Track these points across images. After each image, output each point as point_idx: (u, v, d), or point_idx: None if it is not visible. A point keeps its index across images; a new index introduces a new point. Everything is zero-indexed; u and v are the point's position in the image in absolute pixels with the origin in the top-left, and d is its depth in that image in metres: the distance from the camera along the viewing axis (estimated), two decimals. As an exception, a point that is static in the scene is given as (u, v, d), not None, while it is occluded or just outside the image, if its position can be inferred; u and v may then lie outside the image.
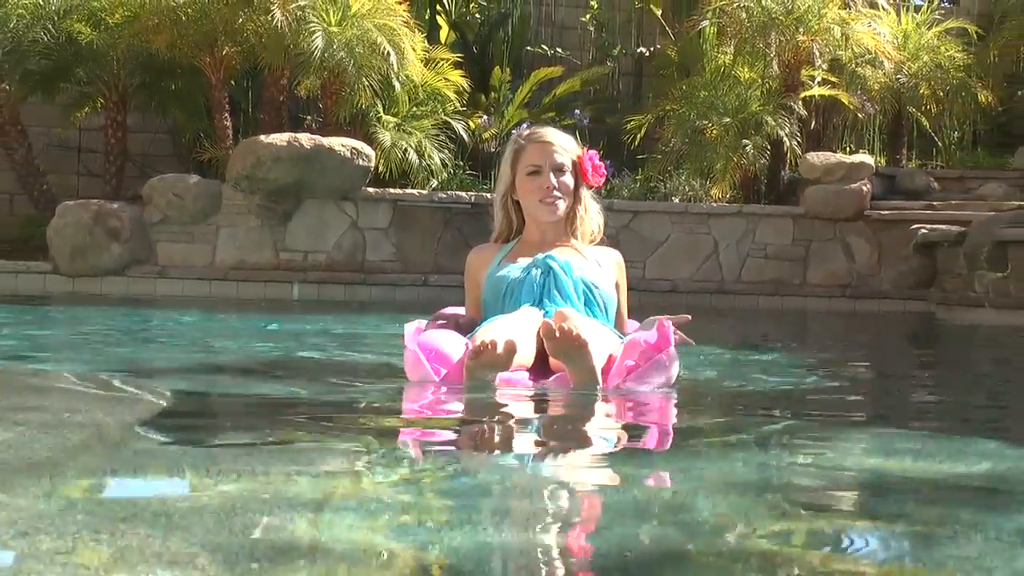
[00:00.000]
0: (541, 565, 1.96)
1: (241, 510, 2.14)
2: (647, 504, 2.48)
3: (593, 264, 4.80)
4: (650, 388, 4.29)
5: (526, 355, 4.30)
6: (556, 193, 4.71)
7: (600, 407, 4.11)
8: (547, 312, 4.49)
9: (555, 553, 2.04)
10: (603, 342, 4.37)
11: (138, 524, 1.99)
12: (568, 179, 4.76)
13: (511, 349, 4.05)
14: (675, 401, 4.36)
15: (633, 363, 4.26)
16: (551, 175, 4.71)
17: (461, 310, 5.05)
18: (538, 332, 4.35)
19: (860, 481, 2.82)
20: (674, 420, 4.14)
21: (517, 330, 4.31)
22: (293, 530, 2.04)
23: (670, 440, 3.68)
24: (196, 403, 4.27)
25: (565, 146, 4.81)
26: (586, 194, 4.88)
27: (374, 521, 2.15)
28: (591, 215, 4.92)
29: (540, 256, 4.68)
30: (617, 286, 4.88)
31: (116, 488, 2.44)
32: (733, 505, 2.43)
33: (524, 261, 4.77)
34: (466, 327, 4.72)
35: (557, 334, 4.04)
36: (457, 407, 4.24)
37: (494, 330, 4.28)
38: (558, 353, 4.15)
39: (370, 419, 3.91)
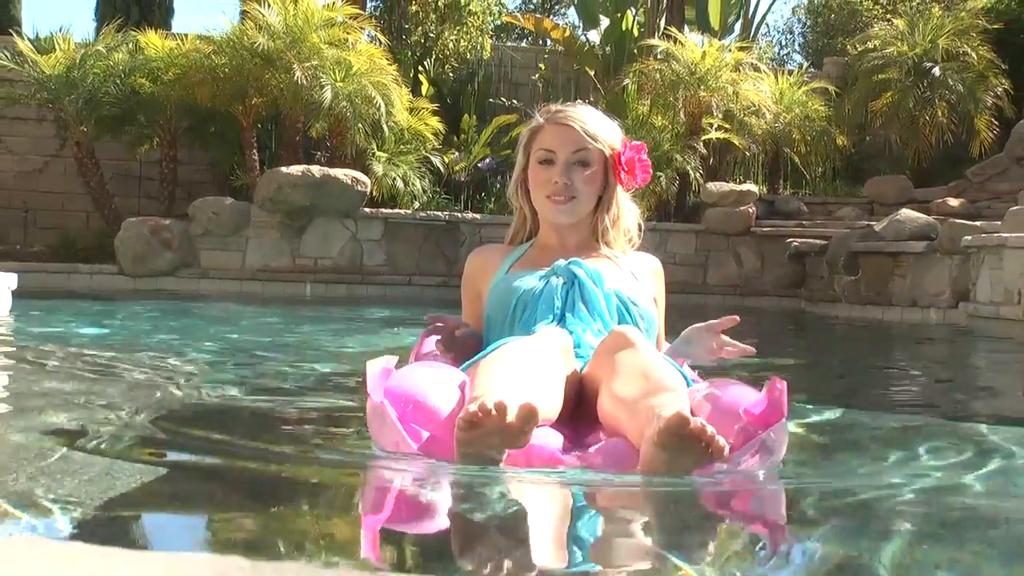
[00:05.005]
0: None
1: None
2: None
3: (628, 276, 2.96)
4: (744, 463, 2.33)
5: (550, 404, 2.41)
6: (567, 192, 2.91)
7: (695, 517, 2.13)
8: (573, 333, 2.74)
9: None
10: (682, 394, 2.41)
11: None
12: (591, 175, 2.92)
13: (529, 416, 2.14)
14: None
15: (729, 443, 2.22)
16: (564, 168, 2.90)
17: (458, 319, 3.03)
18: (572, 377, 2.55)
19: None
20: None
21: (536, 371, 2.43)
22: None
23: None
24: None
25: (595, 133, 2.93)
26: (620, 196, 3.02)
27: None
28: (624, 223, 3.04)
29: (562, 262, 2.89)
30: (655, 301, 3.02)
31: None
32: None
33: (541, 267, 2.95)
34: (471, 347, 2.80)
35: (690, 427, 2.13)
36: (442, 521, 2.05)
37: (500, 374, 2.35)
38: (669, 447, 2.15)
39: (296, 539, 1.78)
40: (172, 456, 2.36)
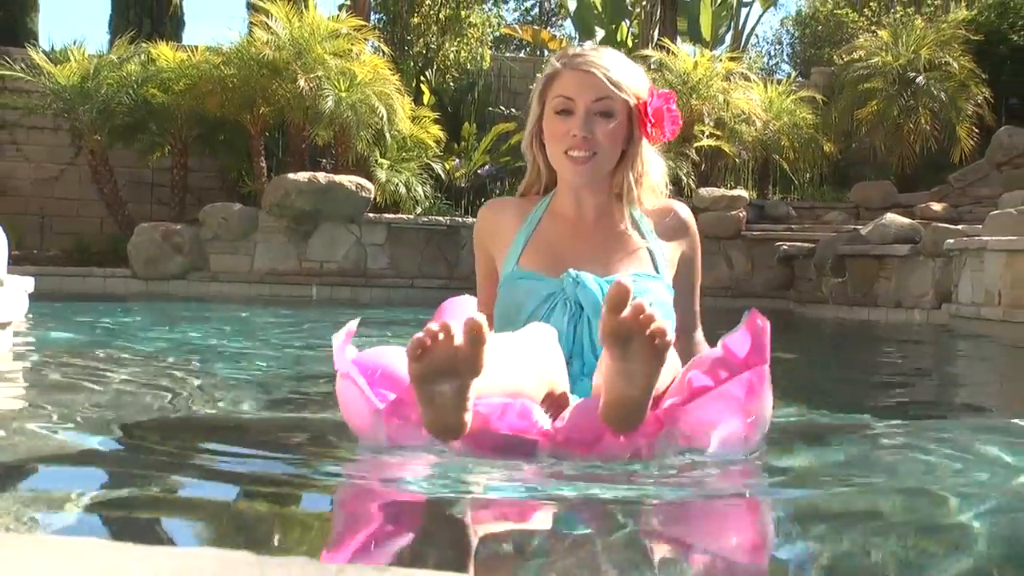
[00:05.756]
0: None
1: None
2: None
3: (647, 266, 2.55)
4: (715, 445, 2.13)
5: (529, 383, 2.19)
6: (587, 146, 2.48)
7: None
8: (578, 384, 2.39)
9: None
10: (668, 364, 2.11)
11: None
12: (614, 128, 2.49)
13: (475, 333, 1.93)
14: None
15: (705, 383, 2.10)
16: (585, 119, 2.47)
17: (472, 302, 2.68)
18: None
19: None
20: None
21: (514, 348, 2.21)
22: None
23: None
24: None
25: (619, 80, 2.50)
26: (645, 150, 2.58)
27: None
28: (650, 180, 2.61)
29: (571, 277, 2.47)
30: (679, 277, 2.62)
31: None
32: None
33: (551, 261, 2.54)
34: None
35: (628, 310, 1.95)
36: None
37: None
38: (617, 338, 1.97)
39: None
40: (182, 456, 2.36)
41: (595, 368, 2.33)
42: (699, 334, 2.72)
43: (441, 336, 1.93)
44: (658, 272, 2.58)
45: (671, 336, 1.99)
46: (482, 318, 1.97)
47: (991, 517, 1.87)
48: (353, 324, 2.23)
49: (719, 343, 2.17)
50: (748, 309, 2.18)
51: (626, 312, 1.95)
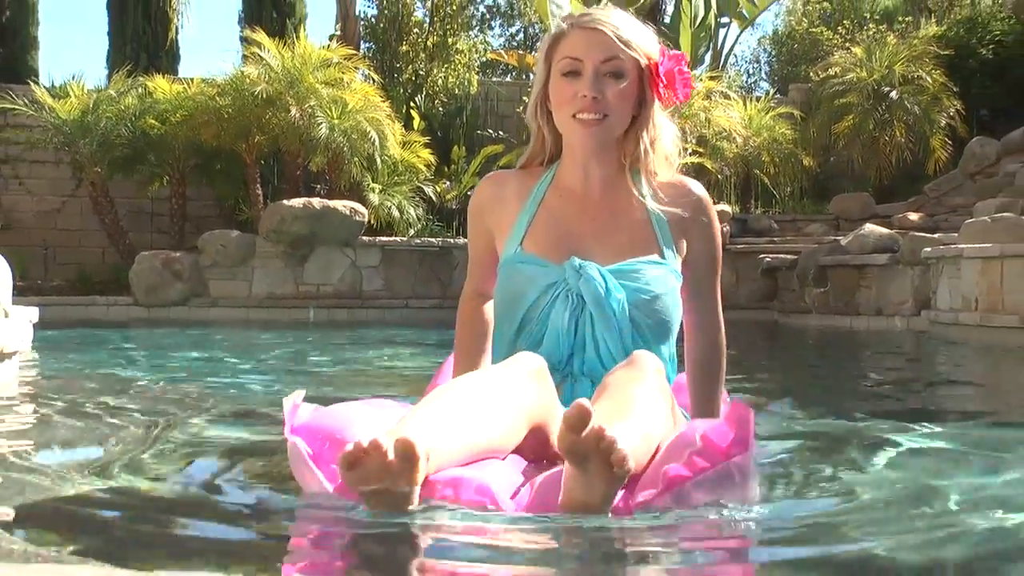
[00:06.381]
0: None
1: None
2: None
3: (666, 275, 2.33)
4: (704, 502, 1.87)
5: (494, 437, 1.95)
6: (596, 108, 2.28)
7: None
8: (577, 386, 2.27)
9: None
10: (649, 433, 1.92)
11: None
12: (625, 89, 2.30)
13: (407, 453, 1.70)
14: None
15: (682, 473, 1.85)
16: (594, 79, 2.27)
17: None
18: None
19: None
20: None
21: (485, 403, 1.95)
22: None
23: None
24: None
25: (628, 38, 2.31)
26: (657, 114, 2.38)
27: None
28: (662, 145, 2.40)
29: (574, 267, 2.30)
30: (694, 268, 2.40)
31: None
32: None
33: (555, 242, 2.36)
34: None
35: (587, 431, 1.71)
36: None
37: (432, 406, 1.90)
38: (575, 456, 1.74)
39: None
40: (170, 487, 2.33)
41: (595, 367, 2.27)
42: (721, 337, 2.42)
43: (370, 453, 1.69)
44: (664, 257, 2.36)
45: (631, 465, 1.75)
46: (417, 436, 1.73)
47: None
48: (300, 396, 2.01)
49: (697, 435, 1.89)
50: (732, 398, 1.93)
51: (584, 433, 1.71)
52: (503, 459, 1.98)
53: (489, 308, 2.49)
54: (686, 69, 2.37)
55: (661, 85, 2.34)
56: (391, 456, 1.68)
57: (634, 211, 2.38)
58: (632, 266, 2.32)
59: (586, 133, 2.31)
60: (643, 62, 2.33)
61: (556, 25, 2.36)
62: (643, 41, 2.35)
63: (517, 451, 2.04)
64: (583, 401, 1.75)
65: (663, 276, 2.33)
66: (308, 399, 2.05)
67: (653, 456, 1.92)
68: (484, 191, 2.52)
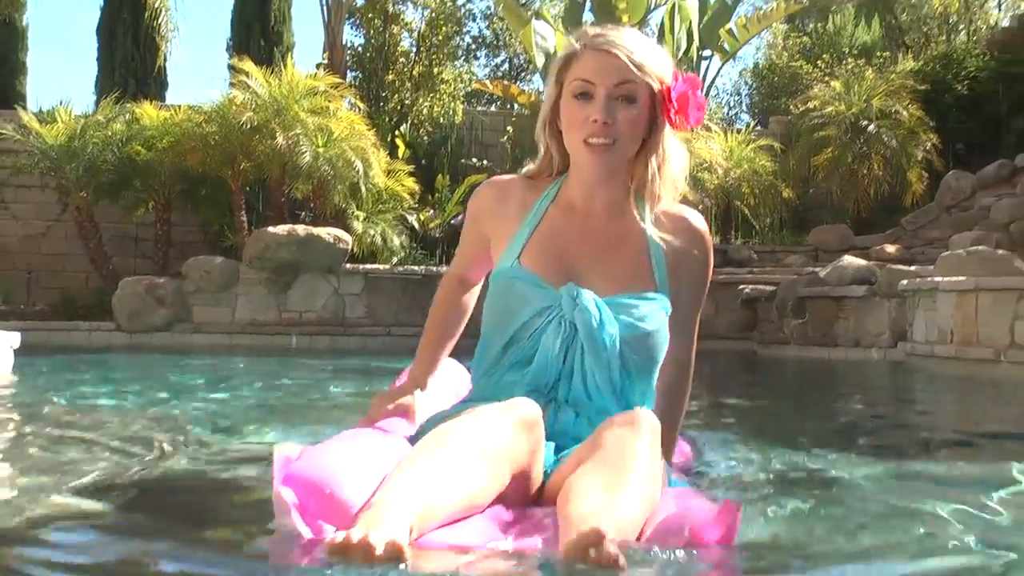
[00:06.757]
0: None
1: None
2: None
3: (657, 310, 2.28)
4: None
5: (474, 495, 1.86)
6: (607, 133, 2.23)
7: None
8: (560, 419, 2.21)
9: None
10: (644, 512, 1.87)
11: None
12: (636, 116, 2.25)
13: (395, 554, 1.62)
14: None
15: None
16: (605, 104, 2.22)
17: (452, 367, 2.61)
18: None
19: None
20: None
21: (469, 460, 1.87)
22: None
23: None
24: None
25: (642, 63, 2.25)
26: (667, 138, 2.31)
27: None
28: (670, 171, 2.34)
29: (570, 293, 2.24)
30: (683, 297, 2.36)
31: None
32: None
33: (554, 262, 2.31)
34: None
35: (594, 553, 1.61)
36: None
37: (416, 473, 1.81)
38: (574, 560, 1.64)
39: None
40: (154, 521, 2.33)
41: (581, 397, 2.22)
42: (691, 369, 2.44)
43: (360, 550, 1.62)
44: (657, 290, 2.32)
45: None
46: (403, 524, 1.69)
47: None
48: (296, 450, 1.90)
49: (686, 528, 1.82)
50: (723, 501, 1.85)
51: (592, 555, 1.63)
52: (483, 511, 1.92)
53: (468, 295, 2.54)
54: (700, 93, 2.31)
55: (673, 110, 2.29)
56: (379, 552, 1.62)
57: (634, 238, 2.34)
58: (628, 300, 2.28)
59: (595, 160, 2.27)
60: (656, 86, 2.28)
61: (568, 45, 2.32)
62: (657, 64, 2.28)
63: (498, 498, 1.97)
64: (599, 529, 1.64)
65: (655, 312, 2.29)
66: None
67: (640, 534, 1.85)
68: (487, 196, 2.47)
